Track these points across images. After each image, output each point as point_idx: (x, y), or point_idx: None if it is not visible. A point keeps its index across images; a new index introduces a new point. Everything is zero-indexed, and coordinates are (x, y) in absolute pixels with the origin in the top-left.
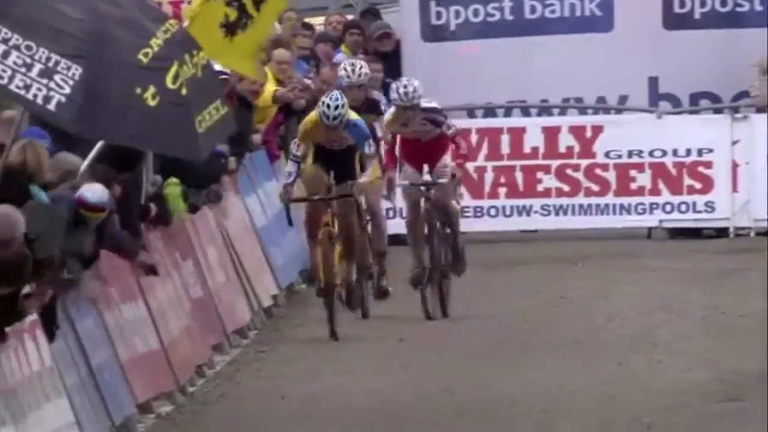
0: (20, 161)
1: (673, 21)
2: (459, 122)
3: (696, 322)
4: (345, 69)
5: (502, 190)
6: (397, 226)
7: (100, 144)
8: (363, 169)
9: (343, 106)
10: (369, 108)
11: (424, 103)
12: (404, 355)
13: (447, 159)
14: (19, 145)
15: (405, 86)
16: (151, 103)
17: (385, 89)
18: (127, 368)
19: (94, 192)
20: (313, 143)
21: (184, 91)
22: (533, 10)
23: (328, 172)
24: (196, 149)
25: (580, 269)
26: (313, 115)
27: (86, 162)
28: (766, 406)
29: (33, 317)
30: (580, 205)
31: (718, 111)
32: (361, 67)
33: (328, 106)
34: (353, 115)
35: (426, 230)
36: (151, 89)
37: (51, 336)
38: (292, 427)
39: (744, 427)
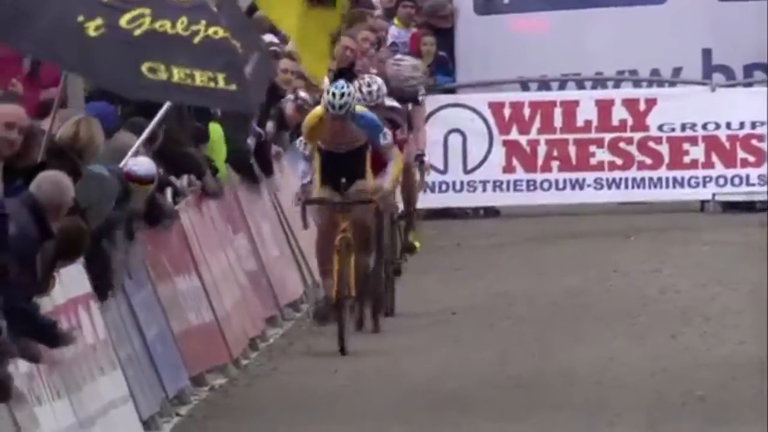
0: (71, 135)
1: None
2: (512, 95)
3: (748, 296)
4: (360, 90)
5: (555, 164)
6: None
7: (155, 120)
8: (377, 165)
9: (349, 94)
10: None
11: (387, 102)
12: (456, 328)
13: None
14: (74, 119)
15: (369, 85)
16: (92, 33)
17: (439, 64)
18: (181, 341)
19: (141, 165)
20: (318, 149)
21: (137, 33)
22: None
23: (339, 183)
24: (135, 89)
25: (632, 243)
26: (317, 110)
27: (140, 140)
28: None
29: (87, 290)
30: (633, 179)
31: None
32: (378, 89)
33: (333, 94)
34: (360, 108)
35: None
36: (98, 20)
37: (104, 296)
38: (343, 401)
39: None
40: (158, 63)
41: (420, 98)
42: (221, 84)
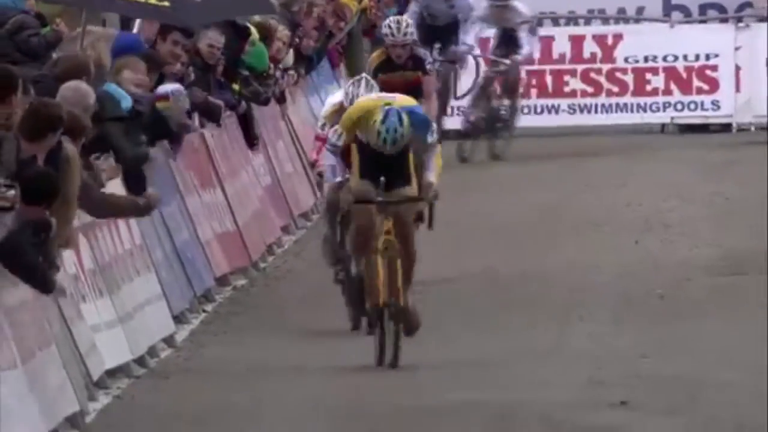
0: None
1: None
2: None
3: (703, 207)
4: (389, 26)
5: (534, 91)
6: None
7: None
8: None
9: (402, 136)
10: (414, 65)
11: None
12: (445, 238)
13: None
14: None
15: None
16: None
17: None
18: (207, 246)
19: (164, 87)
20: (356, 141)
21: None
22: None
23: (378, 180)
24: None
25: (600, 160)
26: (367, 103)
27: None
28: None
29: None
30: (602, 105)
31: (723, 20)
32: (407, 26)
33: (385, 140)
34: (407, 101)
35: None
36: None
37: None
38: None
39: (744, 298)
40: None
41: (428, 67)
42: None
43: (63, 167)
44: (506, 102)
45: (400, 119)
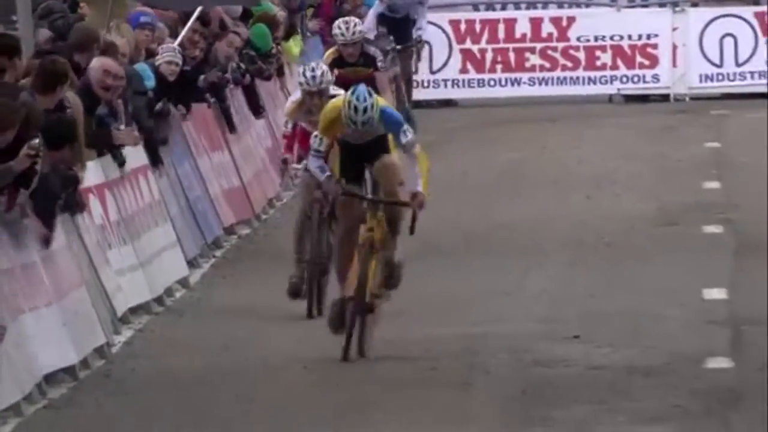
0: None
1: None
2: (466, 15)
3: (645, 166)
4: (339, 27)
5: (499, 66)
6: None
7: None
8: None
9: (372, 106)
10: (366, 63)
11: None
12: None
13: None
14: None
15: (313, 69)
16: None
17: None
18: (216, 200)
19: (166, 50)
20: (336, 140)
21: None
22: None
23: (361, 174)
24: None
25: (556, 126)
26: (336, 104)
27: (182, 33)
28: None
29: (144, 162)
30: (558, 77)
31: (662, 5)
32: (355, 25)
33: (356, 109)
34: (380, 101)
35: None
36: None
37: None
38: None
39: (679, 245)
40: None
41: (379, 65)
42: None
43: (72, 114)
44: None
45: (370, 93)
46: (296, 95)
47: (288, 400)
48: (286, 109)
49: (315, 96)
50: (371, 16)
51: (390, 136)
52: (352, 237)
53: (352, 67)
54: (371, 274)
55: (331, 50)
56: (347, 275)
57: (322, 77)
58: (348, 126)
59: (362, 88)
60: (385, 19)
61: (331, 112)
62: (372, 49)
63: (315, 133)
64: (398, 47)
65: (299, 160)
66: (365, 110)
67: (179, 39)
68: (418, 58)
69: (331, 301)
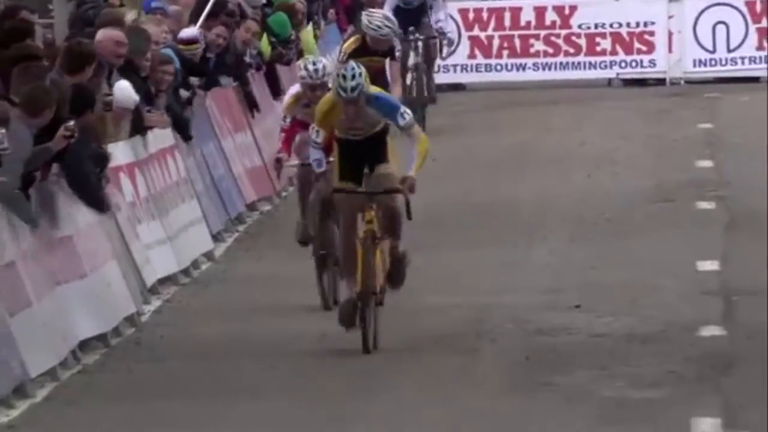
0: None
1: None
2: (474, 3)
3: (642, 146)
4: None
5: (505, 52)
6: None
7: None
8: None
9: (360, 75)
10: (383, 53)
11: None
12: (434, 170)
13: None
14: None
15: (314, 63)
16: None
17: None
18: (239, 179)
19: (185, 32)
20: (335, 139)
21: None
22: None
23: (360, 173)
24: None
25: (559, 108)
26: (328, 94)
27: (201, 19)
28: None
29: (172, 141)
30: (560, 63)
31: None
32: (324, 67)
33: (344, 76)
34: (375, 88)
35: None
36: None
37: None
38: None
39: (674, 220)
40: None
41: (396, 54)
42: None
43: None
44: None
45: (360, 69)
46: (294, 89)
47: (306, 366)
48: (284, 103)
49: (318, 89)
50: (387, 8)
51: (389, 137)
52: (354, 229)
53: (369, 57)
54: (378, 267)
55: (353, 38)
56: (353, 271)
57: (324, 70)
58: (339, 94)
59: (353, 64)
60: (400, 10)
61: (324, 104)
62: (395, 40)
63: (313, 125)
64: (420, 37)
65: (298, 149)
66: (353, 77)
67: (199, 22)
68: (441, 52)
69: (341, 302)
